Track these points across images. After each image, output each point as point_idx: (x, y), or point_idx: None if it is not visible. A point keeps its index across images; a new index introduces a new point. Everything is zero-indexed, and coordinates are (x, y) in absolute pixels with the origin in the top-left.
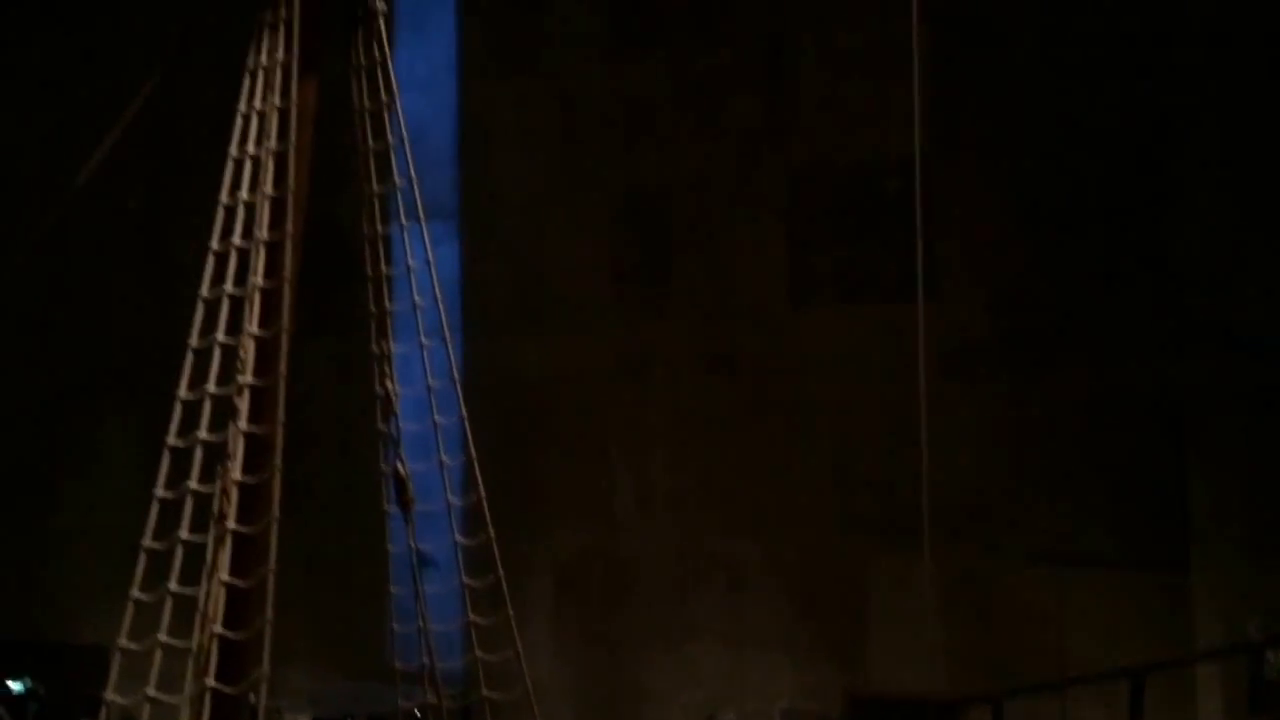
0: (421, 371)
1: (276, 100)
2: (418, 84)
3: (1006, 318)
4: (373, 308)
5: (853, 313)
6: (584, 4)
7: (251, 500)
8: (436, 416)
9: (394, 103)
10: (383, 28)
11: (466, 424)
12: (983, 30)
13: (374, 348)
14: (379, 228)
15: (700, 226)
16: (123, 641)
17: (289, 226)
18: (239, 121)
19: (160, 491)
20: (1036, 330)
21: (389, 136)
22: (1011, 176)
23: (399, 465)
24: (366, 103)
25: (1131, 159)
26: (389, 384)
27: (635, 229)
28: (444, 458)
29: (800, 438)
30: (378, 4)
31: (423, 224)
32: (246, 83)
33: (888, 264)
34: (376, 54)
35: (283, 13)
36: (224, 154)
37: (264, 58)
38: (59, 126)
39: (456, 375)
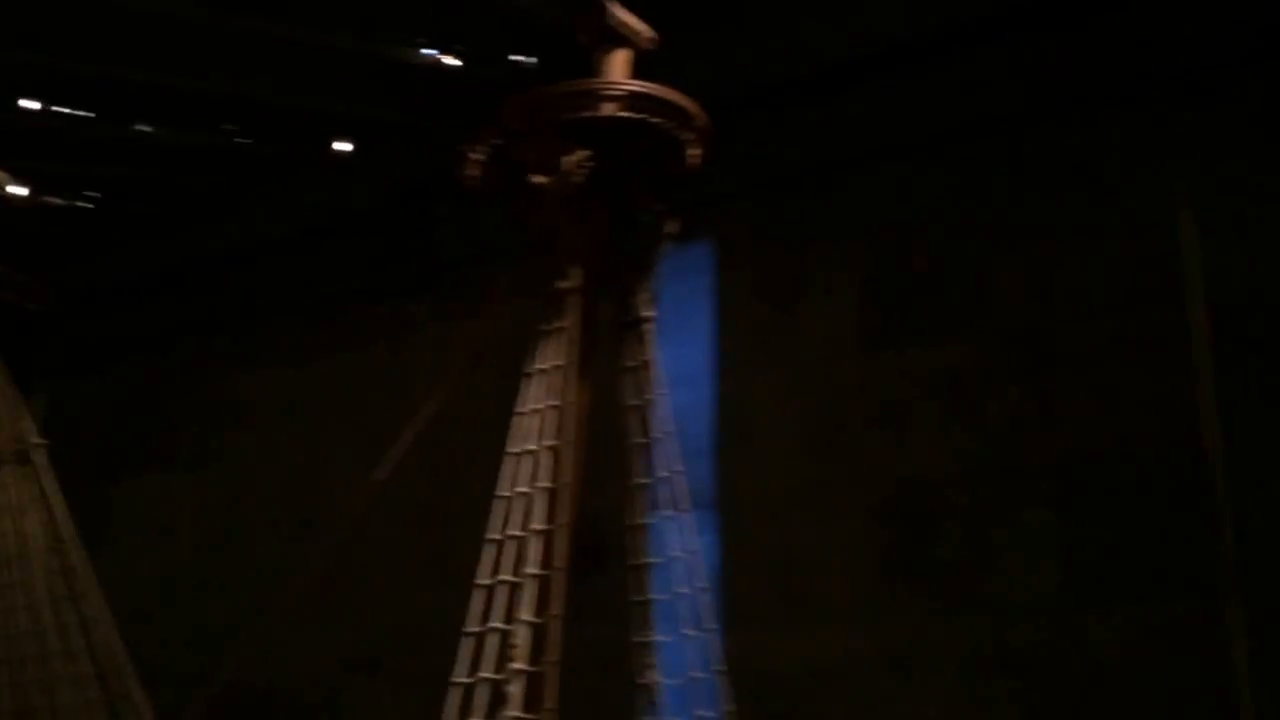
0: (682, 663)
1: (553, 401)
2: (678, 380)
3: None
4: (635, 596)
5: (1138, 614)
6: (837, 300)
7: None
8: (699, 711)
9: (659, 400)
10: (650, 331)
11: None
12: (1273, 308)
13: (636, 637)
14: (641, 519)
15: (966, 518)
16: None
17: (562, 518)
18: (518, 421)
19: None
20: None
21: (654, 431)
22: None
23: None
24: (634, 400)
25: None
26: (651, 674)
27: (897, 520)
28: None
29: None
30: (645, 311)
31: (685, 514)
32: (526, 386)
33: (1176, 560)
34: (644, 356)
35: (561, 322)
36: (500, 452)
37: (543, 363)
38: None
39: (719, 667)
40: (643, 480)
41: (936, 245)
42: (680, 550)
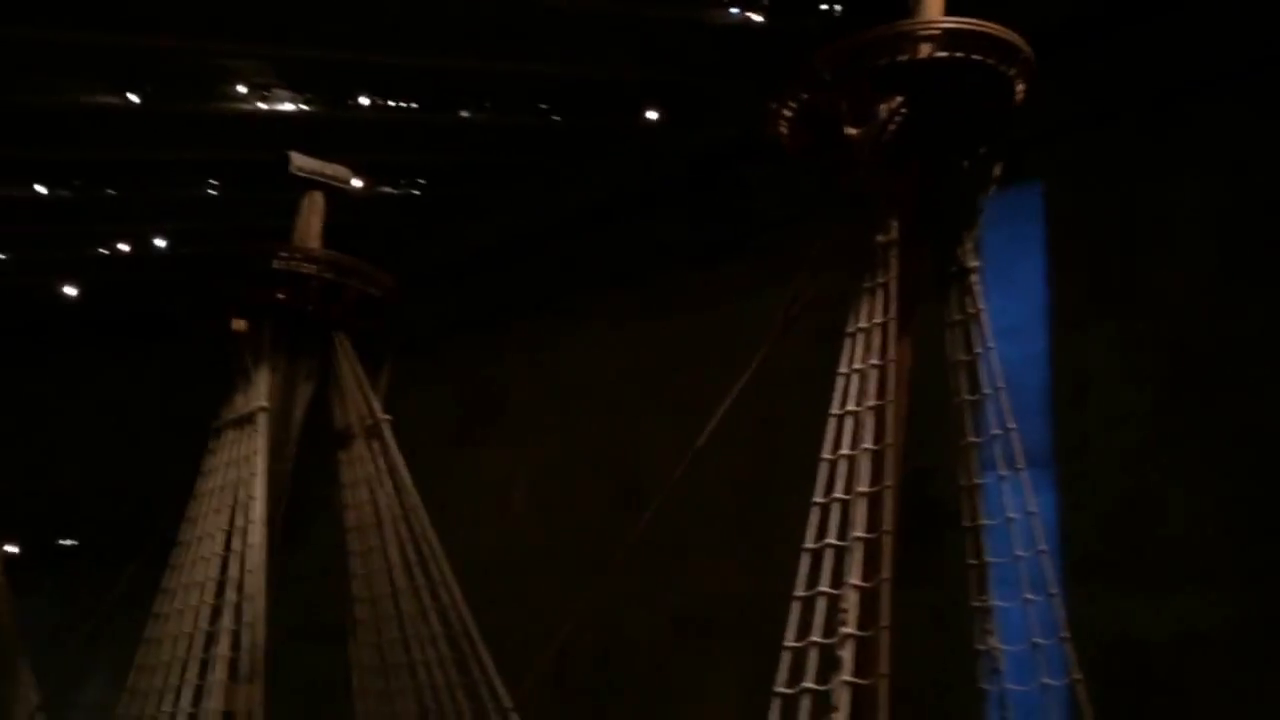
0: (1024, 629)
1: (875, 359)
2: (1005, 333)
3: None
4: (971, 559)
5: None
6: (1187, 238)
7: None
8: (1044, 679)
9: (990, 354)
10: (976, 282)
11: (1081, 688)
12: None
13: (973, 601)
14: (974, 479)
15: None
16: None
17: (889, 479)
18: (840, 382)
19: None
20: None
21: (984, 387)
22: None
23: None
24: (961, 355)
25: None
26: (991, 640)
27: (1257, 476)
28: None
29: None
30: (970, 261)
31: (1021, 473)
32: (847, 345)
33: None
34: (970, 308)
35: (880, 278)
36: (823, 414)
37: (863, 321)
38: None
39: (1064, 634)
40: (974, 439)
41: None
42: (1017, 511)
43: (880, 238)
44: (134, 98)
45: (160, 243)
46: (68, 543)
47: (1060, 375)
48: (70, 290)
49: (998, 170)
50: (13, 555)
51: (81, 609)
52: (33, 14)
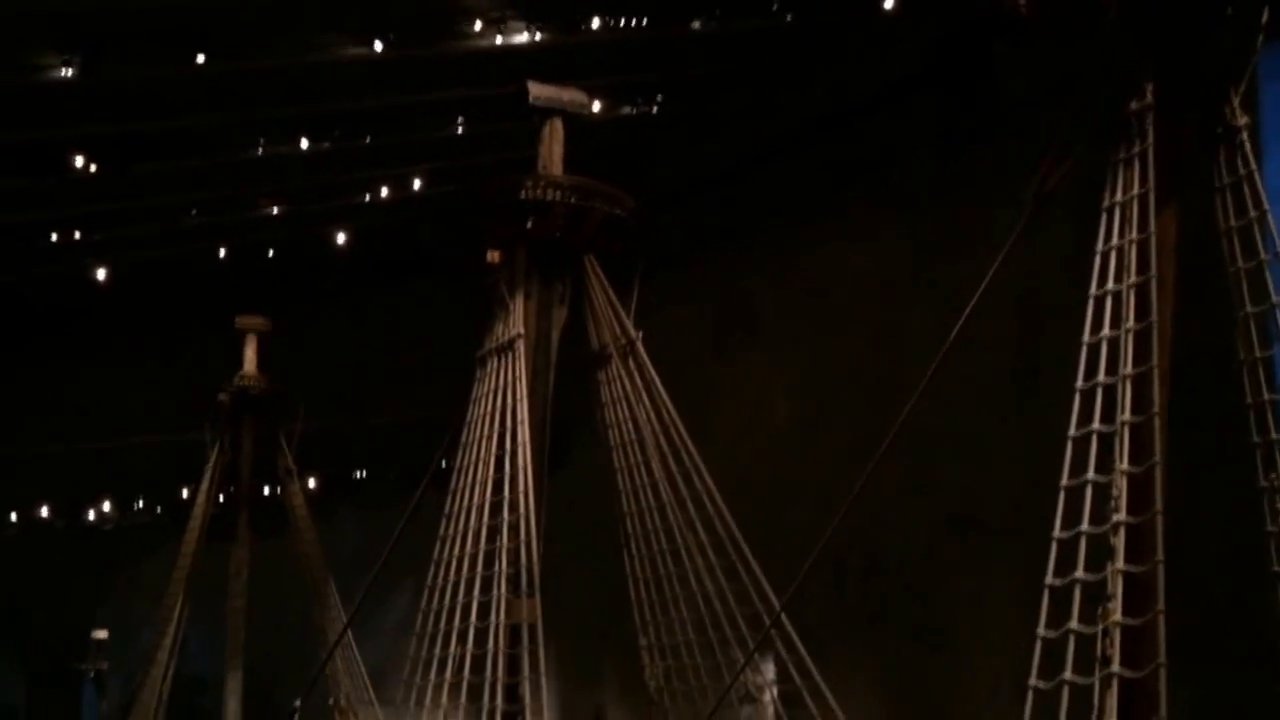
0: None
1: (1134, 234)
2: None
3: None
4: (1256, 438)
5: None
6: None
7: (1136, 643)
8: None
9: (1265, 217)
10: (1246, 141)
11: None
12: None
13: (1261, 482)
14: (1257, 351)
15: None
16: None
17: (1155, 359)
18: (1098, 260)
19: (1042, 631)
20: None
21: (1262, 253)
22: None
23: None
24: (1233, 221)
25: None
26: None
27: None
28: None
29: None
30: (1238, 119)
31: None
32: (1104, 221)
33: None
34: (1240, 169)
35: (1136, 147)
36: (1083, 295)
37: (1119, 194)
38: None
39: None
40: (1252, 309)
41: None
42: None
43: (1134, 104)
44: (379, 46)
45: (418, 183)
46: (361, 474)
47: None
48: (341, 237)
49: (1265, 15)
50: (313, 490)
51: (378, 536)
52: None
